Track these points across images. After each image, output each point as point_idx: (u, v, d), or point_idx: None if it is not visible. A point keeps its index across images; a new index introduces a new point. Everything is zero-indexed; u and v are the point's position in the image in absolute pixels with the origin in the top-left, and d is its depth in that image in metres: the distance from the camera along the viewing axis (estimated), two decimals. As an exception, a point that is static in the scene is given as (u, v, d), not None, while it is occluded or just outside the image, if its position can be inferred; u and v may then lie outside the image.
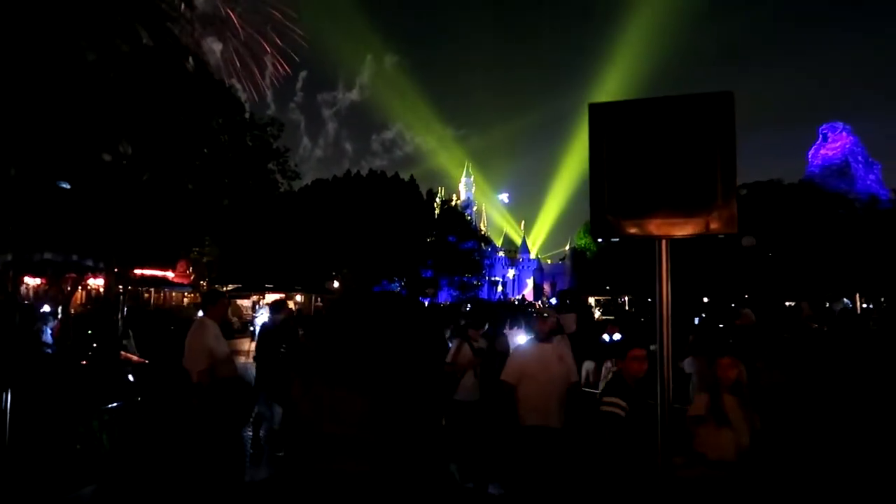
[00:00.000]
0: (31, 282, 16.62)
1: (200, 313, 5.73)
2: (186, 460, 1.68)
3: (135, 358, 7.97)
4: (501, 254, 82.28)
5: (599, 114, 2.04)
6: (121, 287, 14.36)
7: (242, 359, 14.02)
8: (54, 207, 11.29)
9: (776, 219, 31.03)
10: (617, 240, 2.03)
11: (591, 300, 35.08)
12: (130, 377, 6.81)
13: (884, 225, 32.48)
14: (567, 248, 74.49)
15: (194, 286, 26.31)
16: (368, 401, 0.72)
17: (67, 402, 4.91)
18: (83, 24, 11.01)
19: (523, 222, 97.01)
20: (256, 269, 29.49)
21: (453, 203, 59.29)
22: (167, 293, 25.83)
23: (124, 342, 8.55)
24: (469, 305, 18.59)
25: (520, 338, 6.57)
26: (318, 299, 30.14)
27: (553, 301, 35.18)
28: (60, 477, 4.17)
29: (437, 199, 50.80)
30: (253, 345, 14.95)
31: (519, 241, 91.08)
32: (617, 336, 7.38)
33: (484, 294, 57.32)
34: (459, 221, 48.84)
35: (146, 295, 23.77)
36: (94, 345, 8.06)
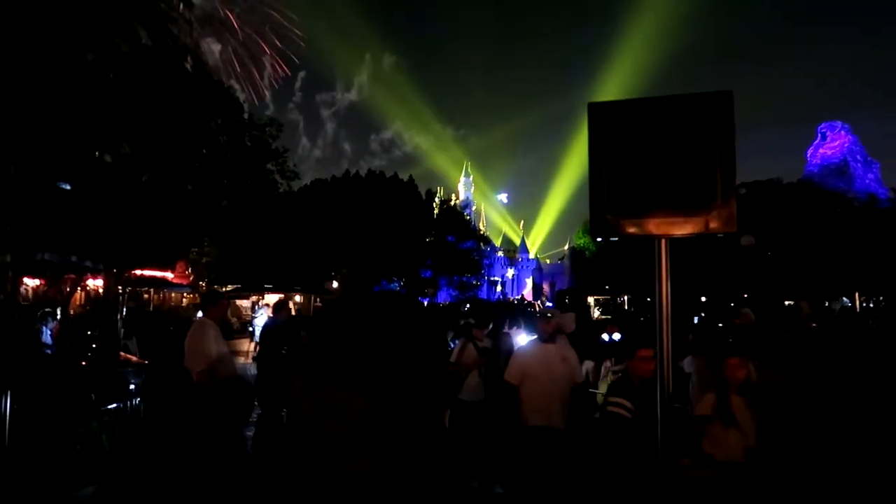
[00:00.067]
0: (31, 282, 16.60)
1: (200, 314, 5.73)
2: (187, 460, 1.68)
3: (134, 359, 7.97)
4: (500, 254, 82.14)
5: (599, 113, 2.04)
6: (120, 288, 14.36)
7: (242, 359, 14.02)
8: (54, 208, 11.29)
9: (775, 218, 31.01)
10: (616, 239, 2.03)
11: (591, 300, 35.06)
12: (130, 377, 6.80)
13: (883, 224, 32.48)
14: (566, 247, 74.33)
15: (193, 287, 26.28)
16: (369, 401, 0.72)
17: (67, 403, 4.90)
18: (83, 24, 11.01)
19: (522, 222, 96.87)
20: (256, 269, 29.48)
21: (452, 203, 59.28)
22: (166, 294, 25.79)
23: (126, 343, 8.55)
24: (468, 305, 18.60)
25: (521, 338, 6.56)
26: (318, 299, 30.11)
27: (549, 305, 35.17)
28: (60, 477, 4.17)
29: (436, 199, 50.83)
30: (253, 345, 14.98)
31: (518, 241, 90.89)
32: (616, 336, 7.36)
33: (483, 294, 57.27)
34: (458, 221, 48.84)
35: (145, 295, 23.74)
36: (94, 345, 8.07)
